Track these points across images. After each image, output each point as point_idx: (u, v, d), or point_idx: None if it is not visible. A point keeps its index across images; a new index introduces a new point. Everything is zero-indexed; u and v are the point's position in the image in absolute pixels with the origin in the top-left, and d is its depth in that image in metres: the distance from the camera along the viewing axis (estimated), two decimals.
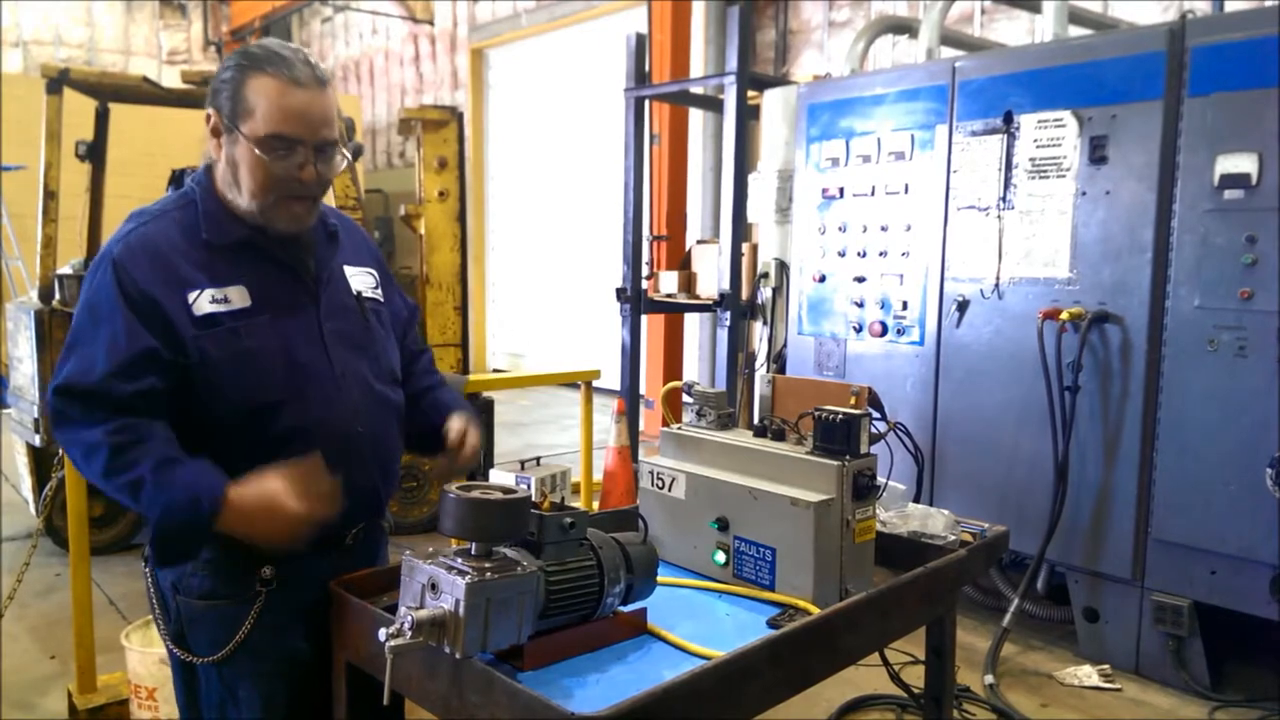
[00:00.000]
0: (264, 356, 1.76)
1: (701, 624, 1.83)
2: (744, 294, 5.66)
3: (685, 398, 2.33)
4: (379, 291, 2.04)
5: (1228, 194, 3.46)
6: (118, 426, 1.65)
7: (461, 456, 2.01)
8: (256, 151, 1.73)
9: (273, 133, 1.72)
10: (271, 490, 1.64)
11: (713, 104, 7.16)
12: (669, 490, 2.13)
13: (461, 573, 1.46)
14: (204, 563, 1.80)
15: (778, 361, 5.31)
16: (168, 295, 1.72)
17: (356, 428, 1.86)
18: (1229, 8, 4.62)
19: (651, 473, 2.16)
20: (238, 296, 1.77)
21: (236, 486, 1.65)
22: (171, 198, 1.88)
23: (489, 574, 1.47)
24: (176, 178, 5.59)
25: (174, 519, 1.65)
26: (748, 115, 5.64)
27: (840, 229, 4.74)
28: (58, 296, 5.04)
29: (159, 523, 1.67)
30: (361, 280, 2.00)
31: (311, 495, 1.66)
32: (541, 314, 12.51)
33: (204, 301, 1.73)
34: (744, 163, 5.60)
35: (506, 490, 1.59)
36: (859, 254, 4.66)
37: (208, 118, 1.79)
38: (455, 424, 2.04)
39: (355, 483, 1.85)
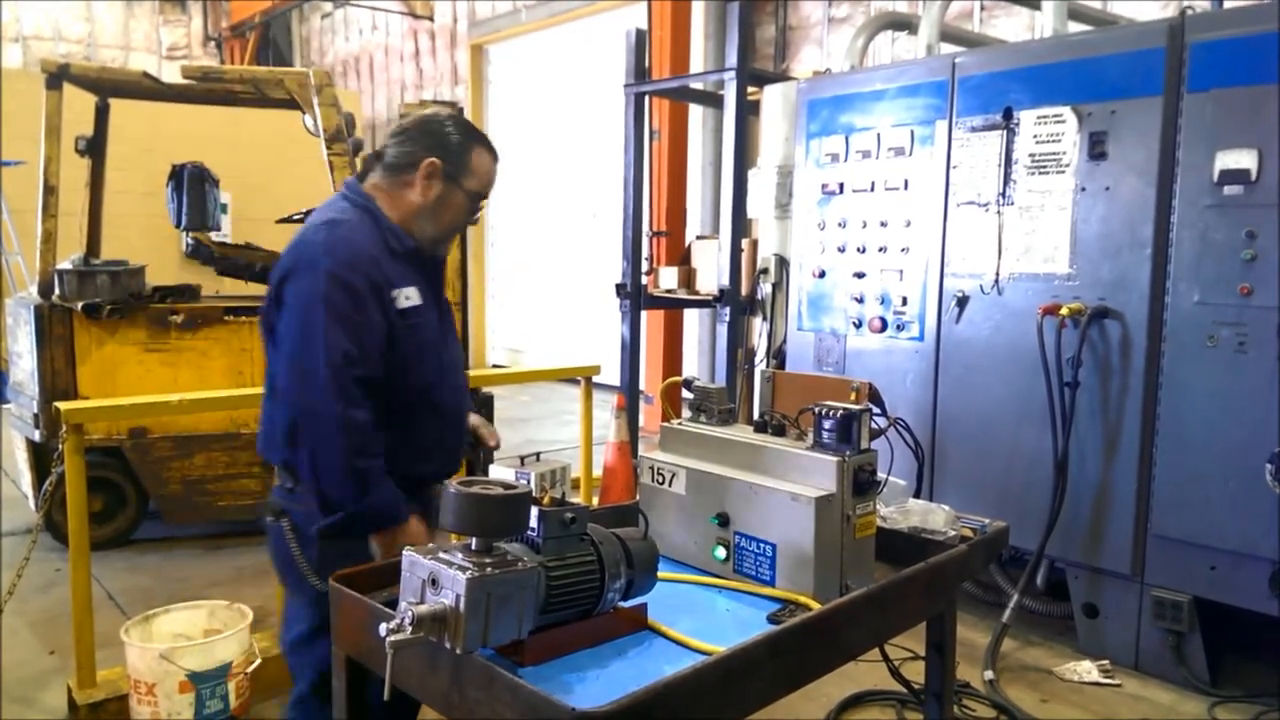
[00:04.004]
0: (428, 348, 2.22)
1: (702, 619, 1.84)
2: (744, 290, 5.66)
3: (685, 393, 2.33)
4: None
5: (1227, 190, 3.46)
6: (367, 424, 2.05)
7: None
8: (467, 201, 2.27)
9: (479, 192, 2.29)
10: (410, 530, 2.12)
11: (713, 100, 7.14)
12: (669, 486, 2.13)
13: (462, 568, 1.46)
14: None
15: (777, 357, 5.31)
16: (378, 290, 2.10)
17: (463, 405, 2.39)
18: (1228, 4, 4.61)
19: (652, 468, 2.16)
20: (415, 295, 2.19)
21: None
22: (343, 208, 2.23)
23: (489, 569, 1.47)
24: (176, 173, 5.57)
25: (378, 510, 2.07)
26: (747, 111, 5.64)
27: (840, 225, 4.74)
28: (57, 291, 5.03)
29: (368, 508, 2.05)
30: None
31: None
32: (541, 309, 12.50)
33: (400, 298, 2.15)
34: (744, 158, 5.60)
35: (507, 486, 1.59)
36: (859, 249, 4.66)
37: (429, 163, 2.20)
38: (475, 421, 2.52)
39: (457, 447, 2.38)
